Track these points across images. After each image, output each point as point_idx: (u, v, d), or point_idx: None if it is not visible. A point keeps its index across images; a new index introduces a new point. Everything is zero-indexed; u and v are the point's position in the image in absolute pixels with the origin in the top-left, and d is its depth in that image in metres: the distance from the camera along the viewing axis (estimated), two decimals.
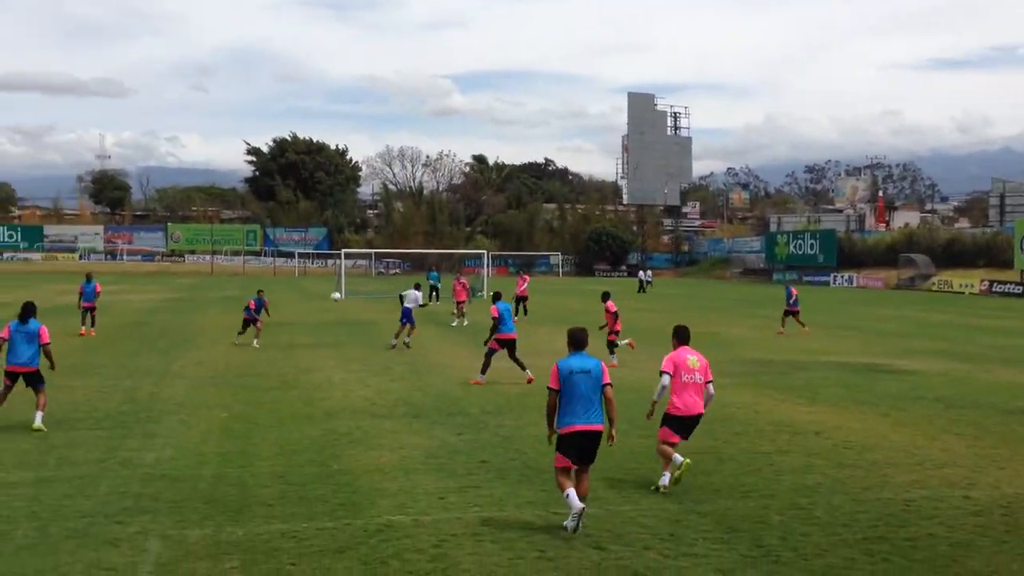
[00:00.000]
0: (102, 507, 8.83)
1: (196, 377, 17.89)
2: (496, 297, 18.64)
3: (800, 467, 10.77)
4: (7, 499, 9.07)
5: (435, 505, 9.02)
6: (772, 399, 15.78)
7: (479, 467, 10.59)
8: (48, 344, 13.11)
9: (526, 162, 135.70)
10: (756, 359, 21.78)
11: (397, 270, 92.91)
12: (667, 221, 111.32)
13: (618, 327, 20.36)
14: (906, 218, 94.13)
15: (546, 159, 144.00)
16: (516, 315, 33.48)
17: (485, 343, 18.09)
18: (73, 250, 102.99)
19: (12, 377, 12.90)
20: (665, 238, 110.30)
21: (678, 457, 9.56)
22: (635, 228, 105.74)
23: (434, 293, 42.26)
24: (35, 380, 12.94)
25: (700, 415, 9.85)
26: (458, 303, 31.85)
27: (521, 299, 34.72)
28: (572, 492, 8.18)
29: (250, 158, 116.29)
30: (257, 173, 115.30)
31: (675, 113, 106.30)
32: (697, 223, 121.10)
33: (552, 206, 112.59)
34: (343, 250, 60.69)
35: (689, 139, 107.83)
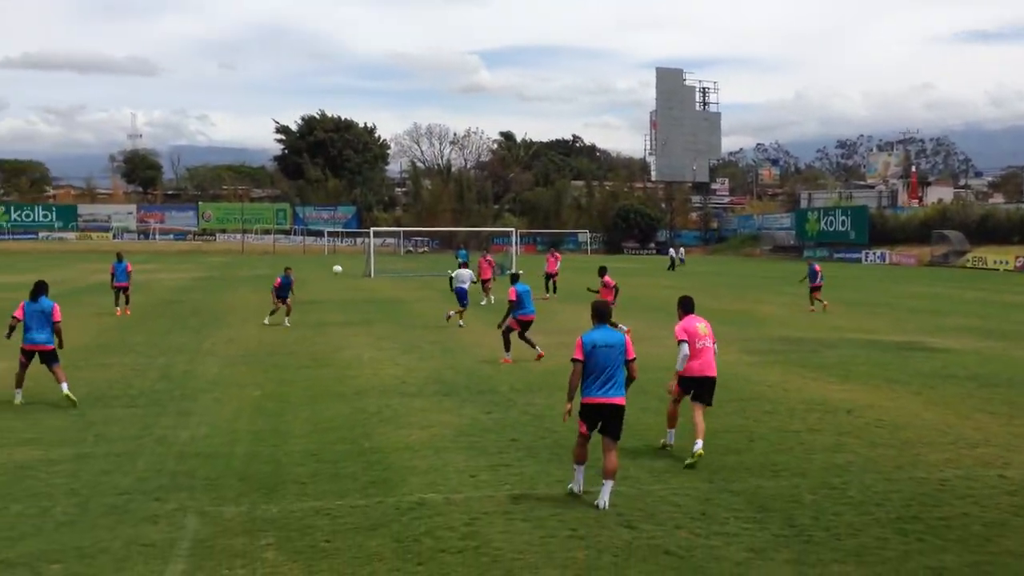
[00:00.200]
0: (140, 484, 8.98)
1: (228, 355, 18.09)
2: (514, 279, 18.53)
3: (832, 446, 10.73)
4: (47, 476, 9.25)
5: (466, 483, 9.08)
6: (803, 377, 15.71)
7: (509, 445, 10.64)
8: (59, 322, 13.21)
9: (554, 139, 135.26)
10: (786, 337, 21.66)
11: (425, 248, 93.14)
12: (696, 198, 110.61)
13: (611, 299, 20.39)
14: (939, 194, 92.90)
15: (574, 136, 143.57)
16: (549, 293, 33.52)
17: (499, 326, 18.05)
18: (107, 229, 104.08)
19: (28, 355, 13.10)
20: (694, 215, 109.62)
21: (671, 435, 10.40)
22: (663, 205, 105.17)
23: None
24: (50, 358, 13.12)
25: (714, 377, 10.33)
26: (483, 281, 31.83)
27: (550, 276, 34.71)
28: (581, 471, 8.62)
29: (279, 136, 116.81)
30: (286, 151, 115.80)
31: (704, 88, 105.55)
32: (726, 200, 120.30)
33: (580, 183, 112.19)
34: (372, 228, 60.91)
35: (718, 114, 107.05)
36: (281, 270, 24.82)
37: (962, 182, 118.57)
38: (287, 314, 23.56)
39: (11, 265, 52.23)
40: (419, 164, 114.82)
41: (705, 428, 10.03)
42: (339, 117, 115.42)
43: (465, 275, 25.04)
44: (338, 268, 25.15)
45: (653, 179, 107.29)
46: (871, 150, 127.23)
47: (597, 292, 21.24)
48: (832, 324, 24.81)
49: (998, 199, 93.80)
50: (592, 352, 8.51)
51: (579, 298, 32.32)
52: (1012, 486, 9.09)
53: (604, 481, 8.37)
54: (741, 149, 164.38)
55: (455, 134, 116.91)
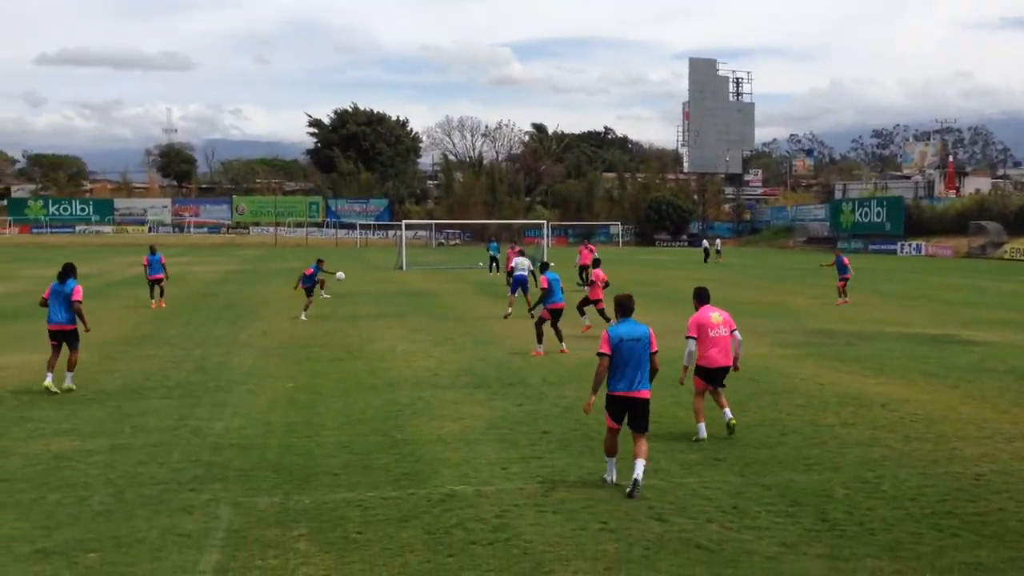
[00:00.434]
0: (175, 475, 9.09)
1: (262, 347, 18.25)
2: (544, 267, 18.73)
3: (866, 440, 10.63)
4: (85, 466, 9.39)
5: (497, 475, 9.11)
6: (837, 371, 15.57)
7: (540, 438, 10.65)
8: (80, 302, 13.41)
9: (585, 131, 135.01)
10: (820, 329, 21.47)
11: (457, 241, 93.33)
12: (729, 189, 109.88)
13: (600, 295, 19.87)
14: (977, 184, 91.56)
15: (606, 127, 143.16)
16: (583, 284, 33.40)
17: (531, 312, 18.21)
18: (143, 223, 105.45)
19: (53, 335, 13.38)
20: (726, 207, 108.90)
21: (702, 428, 10.48)
22: (696, 197, 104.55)
23: (494, 264, 42.45)
24: (71, 339, 13.38)
25: (727, 366, 10.73)
26: (509, 272, 31.78)
27: (584, 268, 34.63)
28: (613, 462, 8.75)
29: (312, 130, 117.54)
30: (319, 145, 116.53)
31: (738, 79, 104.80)
32: (759, 191, 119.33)
33: (612, 175, 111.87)
34: (404, 221, 61.14)
35: (752, 105, 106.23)
36: (314, 262, 25.02)
37: (1000, 172, 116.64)
38: (305, 308, 23.39)
39: (49, 258, 52.96)
40: (451, 157, 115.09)
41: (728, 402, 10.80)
42: (371, 110, 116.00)
43: (524, 263, 24.97)
44: (340, 275, 25.31)
45: (686, 171, 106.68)
46: (907, 140, 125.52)
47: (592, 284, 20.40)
48: (867, 316, 24.55)
49: None
50: (618, 346, 8.61)
51: (611, 291, 32.22)
52: None
53: (636, 460, 8.50)
54: (775, 140, 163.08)
55: (487, 127, 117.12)
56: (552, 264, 20.54)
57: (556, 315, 17.68)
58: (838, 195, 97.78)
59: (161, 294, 26.51)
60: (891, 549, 7.13)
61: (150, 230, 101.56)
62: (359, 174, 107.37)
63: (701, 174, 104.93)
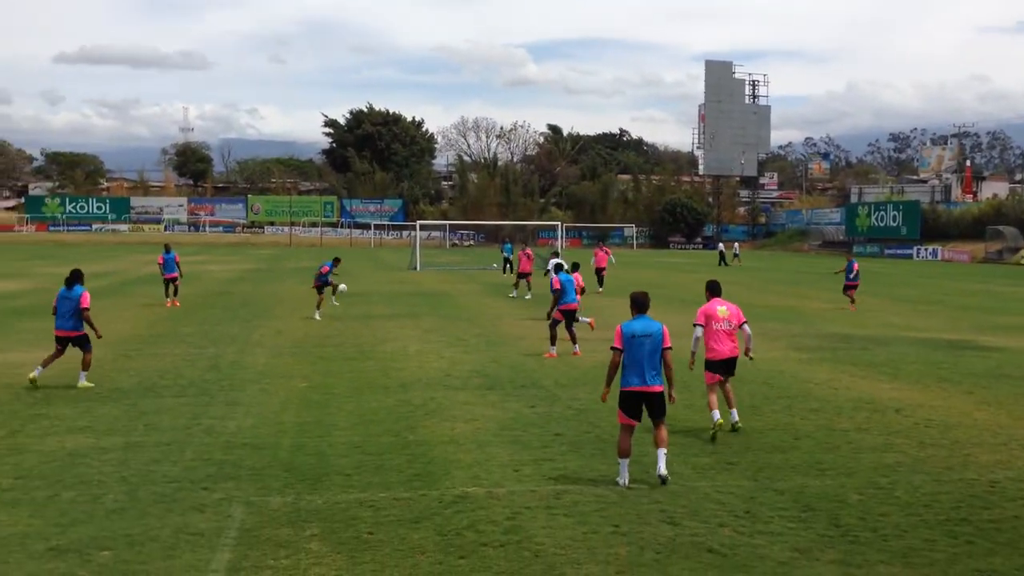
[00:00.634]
0: (188, 473, 9.12)
1: (276, 346, 18.30)
2: (558, 268, 18.62)
3: (880, 445, 10.57)
4: (99, 464, 9.43)
5: (509, 477, 9.10)
6: (851, 375, 15.49)
7: (553, 440, 10.64)
8: (87, 309, 13.51)
9: (600, 132, 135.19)
10: (835, 333, 21.37)
11: (471, 241, 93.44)
12: (744, 192, 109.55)
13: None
14: (994, 188, 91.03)
15: (621, 129, 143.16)
16: (600, 287, 33.34)
17: (548, 315, 18.14)
18: (159, 221, 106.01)
19: (59, 341, 13.44)
20: (741, 210, 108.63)
21: (716, 414, 10.62)
22: (711, 199, 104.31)
23: (507, 265, 42.46)
24: (82, 343, 13.51)
25: (735, 357, 11.00)
26: (522, 274, 31.78)
27: (600, 270, 34.58)
28: (625, 464, 8.78)
29: (327, 130, 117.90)
30: (334, 145, 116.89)
31: (753, 81, 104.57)
32: (775, 194, 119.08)
33: (626, 177, 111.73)
34: (418, 222, 61.24)
35: (768, 107, 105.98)
36: (331, 259, 25.12)
37: (1018, 177, 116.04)
38: (318, 307, 23.47)
39: (65, 256, 53.32)
40: (466, 158, 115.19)
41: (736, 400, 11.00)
42: (386, 111, 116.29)
43: (555, 263, 24.99)
44: (343, 287, 25.42)
45: (701, 173, 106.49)
46: (924, 144, 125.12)
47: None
48: (882, 321, 24.43)
49: None
50: (631, 341, 8.83)
51: (625, 292, 32.19)
52: None
53: (658, 450, 8.85)
54: (790, 143, 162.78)
55: (502, 128, 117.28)
56: (567, 266, 20.44)
57: (570, 317, 17.66)
58: (854, 199, 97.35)
59: (175, 293, 26.63)
60: (904, 555, 7.09)
61: (166, 229, 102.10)
62: (374, 174, 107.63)
63: (716, 177, 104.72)
